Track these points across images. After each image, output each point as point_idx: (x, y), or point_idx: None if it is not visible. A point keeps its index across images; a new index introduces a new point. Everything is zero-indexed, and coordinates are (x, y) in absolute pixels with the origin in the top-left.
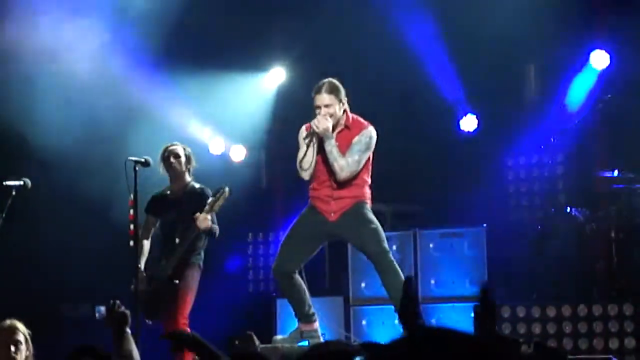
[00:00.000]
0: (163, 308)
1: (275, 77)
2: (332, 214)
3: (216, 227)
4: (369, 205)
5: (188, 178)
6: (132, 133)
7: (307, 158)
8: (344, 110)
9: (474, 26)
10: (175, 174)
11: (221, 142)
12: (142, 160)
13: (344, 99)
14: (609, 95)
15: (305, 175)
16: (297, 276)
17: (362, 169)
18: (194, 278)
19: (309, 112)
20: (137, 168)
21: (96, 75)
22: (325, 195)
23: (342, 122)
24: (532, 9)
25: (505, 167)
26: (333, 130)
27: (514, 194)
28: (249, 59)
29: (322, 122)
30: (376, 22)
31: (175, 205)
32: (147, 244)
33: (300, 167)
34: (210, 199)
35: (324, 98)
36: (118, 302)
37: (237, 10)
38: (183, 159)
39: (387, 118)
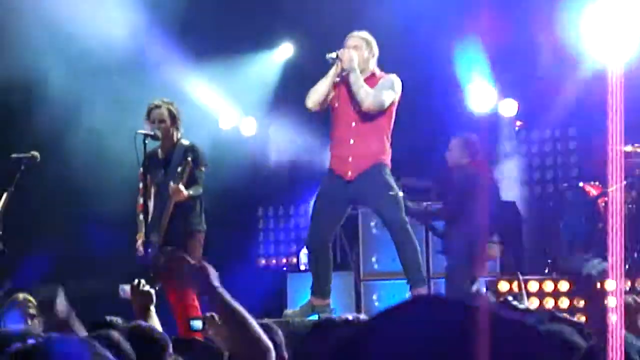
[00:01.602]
0: (164, 278)
1: (283, 52)
2: (350, 173)
3: (196, 191)
4: (388, 169)
5: (177, 136)
6: (143, 106)
7: (319, 83)
8: (371, 64)
9: None
10: (163, 136)
11: (231, 117)
12: (152, 133)
13: (375, 52)
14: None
15: (309, 102)
16: (329, 251)
17: (382, 119)
18: (195, 248)
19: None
20: (146, 141)
21: (110, 48)
22: (343, 154)
23: (369, 70)
24: None
25: (518, 141)
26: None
27: (527, 169)
28: (258, 35)
29: (347, 53)
30: None
31: (164, 165)
32: (150, 204)
33: (309, 91)
34: (179, 169)
35: (354, 38)
36: (143, 281)
37: None
38: (168, 121)
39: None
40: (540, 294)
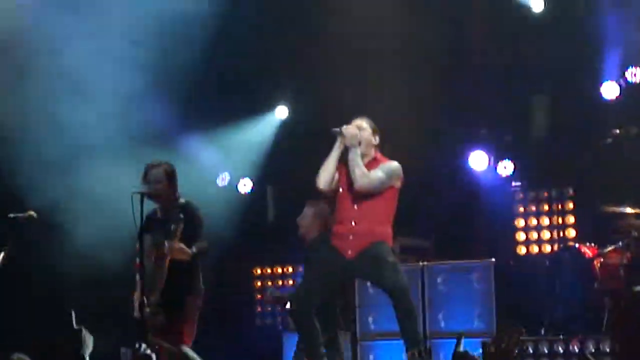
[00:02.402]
0: (159, 337)
1: (279, 114)
2: (350, 252)
3: (201, 247)
4: (388, 244)
5: (175, 196)
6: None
7: (326, 161)
8: (374, 149)
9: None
10: (160, 196)
11: (228, 176)
12: (148, 191)
13: (377, 138)
14: (617, 130)
15: (320, 183)
16: (314, 319)
17: (384, 203)
18: (191, 306)
19: (313, 146)
20: (143, 201)
21: (115, 101)
22: (344, 231)
23: (371, 155)
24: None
25: (514, 201)
26: (362, 159)
27: (523, 228)
28: (254, 99)
29: (350, 129)
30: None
31: (163, 225)
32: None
33: (319, 172)
34: (172, 226)
35: (358, 121)
36: (144, 345)
37: (245, 54)
38: (165, 181)
39: (388, 151)
40: (536, 355)
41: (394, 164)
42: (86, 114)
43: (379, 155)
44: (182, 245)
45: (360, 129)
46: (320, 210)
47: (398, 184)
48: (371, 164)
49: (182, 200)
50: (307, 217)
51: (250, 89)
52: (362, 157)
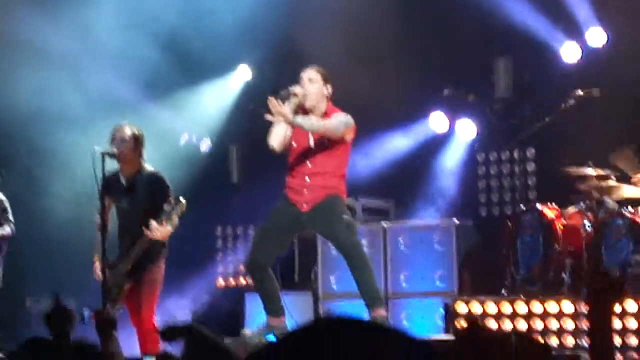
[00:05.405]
0: (126, 301)
1: (241, 75)
2: (305, 205)
3: (174, 225)
4: (343, 198)
5: (140, 162)
6: (103, 124)
7: (276, 123)
8: (327, 99)
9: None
10: (124, 158)
11: (190, 136)
12: (111, 152)
13: (329, 88)
14: (580, 92)
15: (272, 143)
16: (270, 270)
17: (337, 158)
18: (159, 271)
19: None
20: (104, 159)
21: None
22: (298, 185)
23: (322, 108)
24: None
25: (475, 162)
26: (313, 113)
27: (484, 190)
28: (216, 58)
29: (297, 89)
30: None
31: (128, 192)
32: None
33: (269, 132)
34: (166, 208)
35: (309, 72)
36: (108, 306)
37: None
38: (131, 142)
39: (354, 110)
40: (498, 315)
41: (347, 115)
42: (46, 81)
43: (330, 107)
44: (168, 229)
45: (310, 81)
46: None
47: (350, 136)
48: (323, 118)
49: (149, 167)
50: None
51: (212, 52)
52: (313, 110)
